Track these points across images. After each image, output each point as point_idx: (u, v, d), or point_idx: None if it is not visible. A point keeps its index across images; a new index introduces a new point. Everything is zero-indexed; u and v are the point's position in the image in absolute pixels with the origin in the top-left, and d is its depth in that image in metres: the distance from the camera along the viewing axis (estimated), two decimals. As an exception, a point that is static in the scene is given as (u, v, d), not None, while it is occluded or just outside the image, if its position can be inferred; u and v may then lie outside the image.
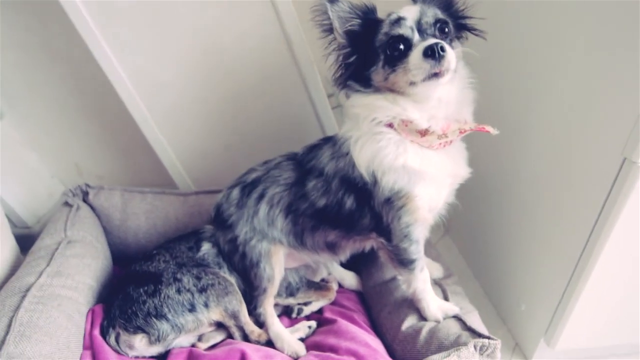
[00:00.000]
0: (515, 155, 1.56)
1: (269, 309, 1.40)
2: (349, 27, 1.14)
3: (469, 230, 2.02)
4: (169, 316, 1.26)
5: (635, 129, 1.07)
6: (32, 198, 2.16)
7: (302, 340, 1.39)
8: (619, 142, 1.11)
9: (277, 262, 1.38)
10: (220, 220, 1.43)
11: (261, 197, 1.36)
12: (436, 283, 1.43)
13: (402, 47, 1.08)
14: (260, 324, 1.40)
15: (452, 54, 1.04)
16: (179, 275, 1.32)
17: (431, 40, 1.04)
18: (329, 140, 1.34)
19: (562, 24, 1.26)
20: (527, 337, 1.60)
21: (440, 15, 1.11)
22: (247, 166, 1.48)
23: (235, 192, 1.42)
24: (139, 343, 1.25)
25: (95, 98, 1.94)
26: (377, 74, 1.14)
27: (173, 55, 1.62)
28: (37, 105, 2.00)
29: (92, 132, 2.10)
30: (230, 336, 1.39)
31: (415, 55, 1.05)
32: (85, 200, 1.70)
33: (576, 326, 1.39)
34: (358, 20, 1.14)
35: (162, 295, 1.27)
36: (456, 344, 1.14)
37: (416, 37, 1.08)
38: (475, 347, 1.08)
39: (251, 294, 1.41)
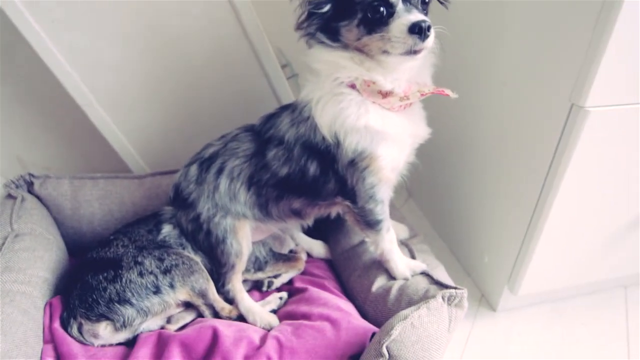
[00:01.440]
0: (469, 112, 1.60)
1: (237, 284, 1.38)
2: None
3: (431, 191, 2.06)
4: (133, 300, 1.21)
5: (580, 76, 1.11)
6: (-28, 196, 2.00)
7: (274, 312, 1.38)
8: (566, 89, 1.15)
9: (244, 236, 1.35)
10: (180, 200, 1.38)
11: (220, 171, 1.32)
12: (402, 243, 1.45)
13: (383, 11, 1.03)
14: (230, 301, 1.38)
15: (433, 34, 1.03)
16: (139, 259, 1.27)
17: (419, 16, 1.01)
18: (287, 108, 1.31)
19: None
20: (491, 287, 1.67)
21: None
22: (203, 144, 1.42)
23: (194, 169, 1.37)
24: (104, 331, 1.20)
25: (32, 83, 1.78)
26: (350, 32, 1.09)
27: (111, 29, 1.50)
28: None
29: (32, 120, 1.95)
30: (200, 315, 1.35)
31: (400, 27, 1.01)
32: (30, 191, 1.58)
33: (537, 271, 1.46)
34: None
35: (124, 280, 1.22)
36: (425, 297, 1.17)
37: (400, 5, 1.04)
38: (443, 298, 1.11)
39: (218, 272, 1.37)
